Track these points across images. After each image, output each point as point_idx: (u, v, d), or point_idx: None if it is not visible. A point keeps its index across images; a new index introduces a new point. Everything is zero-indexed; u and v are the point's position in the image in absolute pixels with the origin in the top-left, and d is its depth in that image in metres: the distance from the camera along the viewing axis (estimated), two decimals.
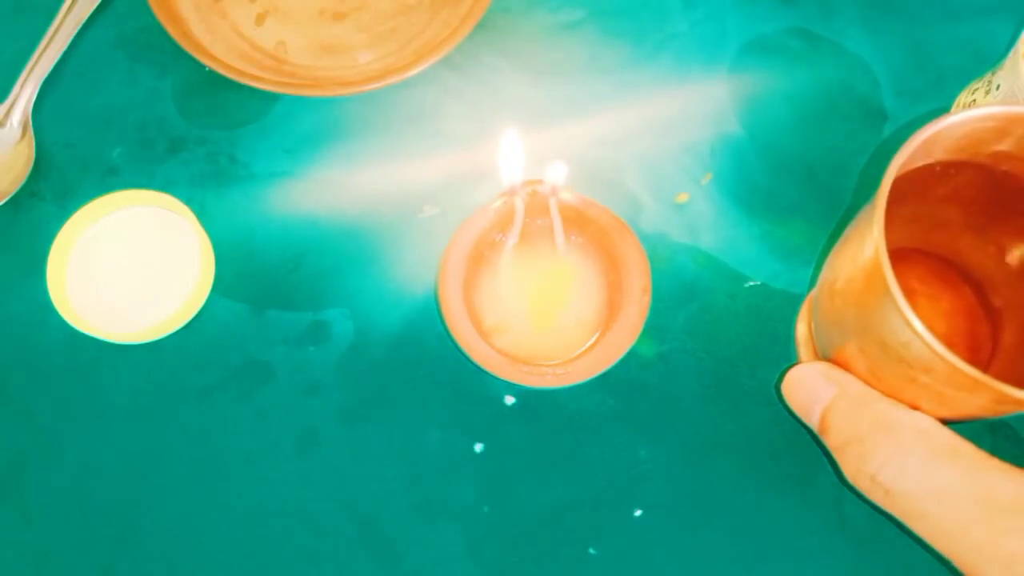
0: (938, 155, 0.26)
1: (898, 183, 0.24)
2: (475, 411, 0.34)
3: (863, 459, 0.25)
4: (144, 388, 0.35)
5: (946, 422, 0.25)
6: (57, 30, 0.39)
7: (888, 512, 0.25)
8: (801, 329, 0.33)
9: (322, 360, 0.35)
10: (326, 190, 0.38)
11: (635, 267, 0.33)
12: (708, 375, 0.34)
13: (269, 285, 0.36)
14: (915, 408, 0.25)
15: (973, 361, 0.22)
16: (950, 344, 0.22)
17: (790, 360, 0.34)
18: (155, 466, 0.34)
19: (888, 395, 0.26)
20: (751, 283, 0.35)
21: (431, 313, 0.35)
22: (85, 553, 0.33)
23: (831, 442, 0.27)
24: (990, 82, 0.34)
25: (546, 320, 0.34)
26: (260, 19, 0.41)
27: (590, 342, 0.33)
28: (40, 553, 0.33)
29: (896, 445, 0.24)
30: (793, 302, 0.35)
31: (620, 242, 0.33)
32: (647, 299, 0.33)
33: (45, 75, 0.39)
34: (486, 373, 0.32)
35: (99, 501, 0.33)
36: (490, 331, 0.34)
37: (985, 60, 0.37)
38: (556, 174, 0.33)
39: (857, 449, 0.25)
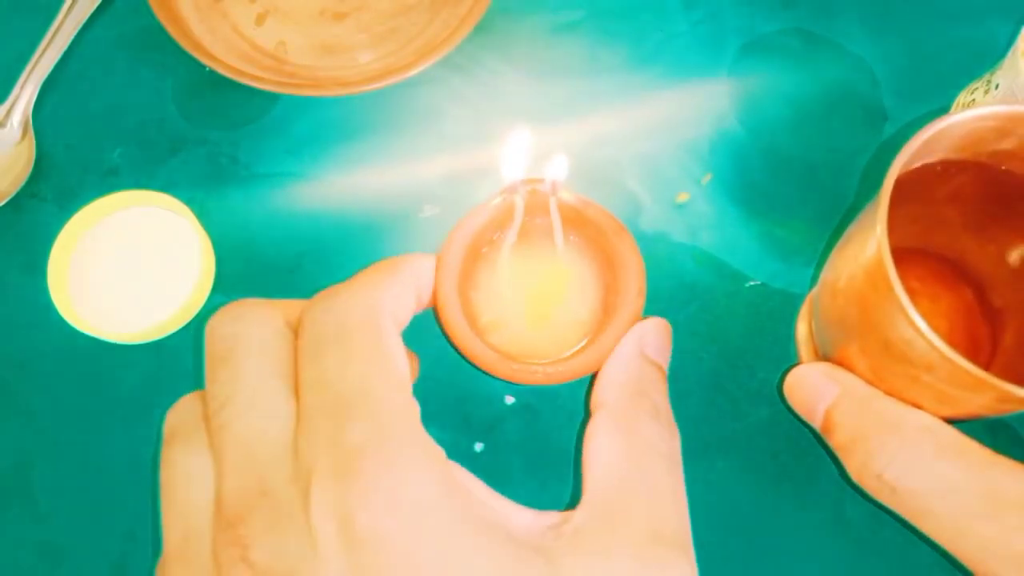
0: (939, 155, 0.27)
1: (899, 183, 0.24)
2: (475, 411, 0.34)
3: (868, 457, 0.25)
4: (144, 388, 0.35)
5: (948, 421, 0.25)
6: (57, 30, 0.39)
7: (893, 510, 0.25)
8: (801, 329, 0.33)
9: None
10: (326, 190, 0.38)
11: (631, 269, 0.33)
12: (708, 375, 0.34)
13: (269, 285, 0.36)
14: (917, 407, 0.25)
15: (973, 361, 0.22)
16: (951, 344, 0.22)
17: (790, 360, 0.34)
18: (157, 466, 0.33)
19: (890, 395, 0.26)
20: (751, 283, 0.35)
21: (430, 313, 0.35)
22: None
23: (835, 441, 0.26)
24: (989, 82, 0.34)
25: (542, 318, 0.34)
26: (260, 19, 0.41)
27: (583, 342, 0.33)
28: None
29: (901, 443, 0.24)
30: (793, 302, 0.35)
31: (617, 244, 0.33)
32: (641, 301, 0.32)
33: (45, 75, 0.39)
34: (486, 373, 0.32)
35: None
36: (486, 328, 0.34)
37: (985, 60, 0.37)
38: (557, 169, 0.33)
39: (862, 447, 0.25)
